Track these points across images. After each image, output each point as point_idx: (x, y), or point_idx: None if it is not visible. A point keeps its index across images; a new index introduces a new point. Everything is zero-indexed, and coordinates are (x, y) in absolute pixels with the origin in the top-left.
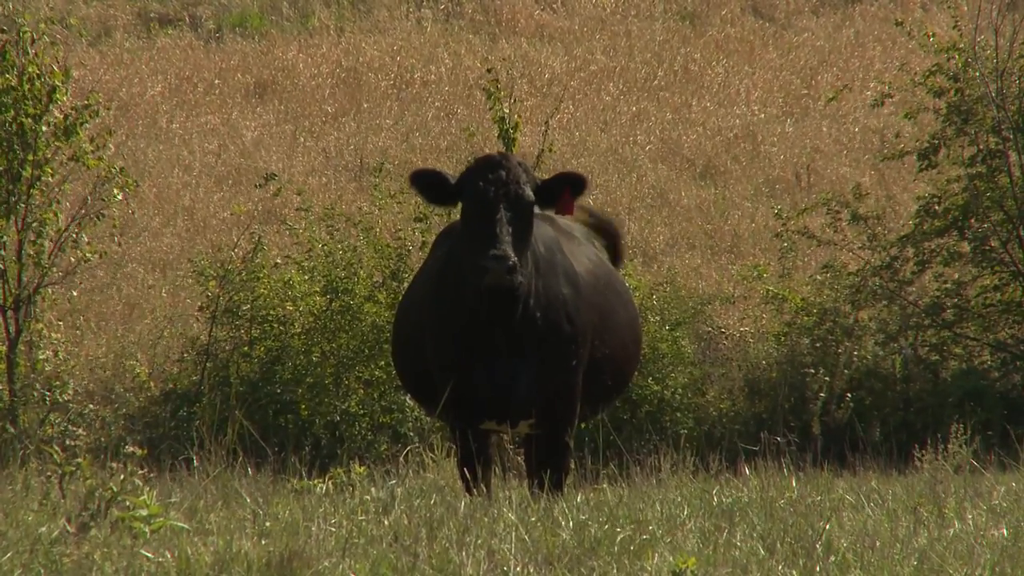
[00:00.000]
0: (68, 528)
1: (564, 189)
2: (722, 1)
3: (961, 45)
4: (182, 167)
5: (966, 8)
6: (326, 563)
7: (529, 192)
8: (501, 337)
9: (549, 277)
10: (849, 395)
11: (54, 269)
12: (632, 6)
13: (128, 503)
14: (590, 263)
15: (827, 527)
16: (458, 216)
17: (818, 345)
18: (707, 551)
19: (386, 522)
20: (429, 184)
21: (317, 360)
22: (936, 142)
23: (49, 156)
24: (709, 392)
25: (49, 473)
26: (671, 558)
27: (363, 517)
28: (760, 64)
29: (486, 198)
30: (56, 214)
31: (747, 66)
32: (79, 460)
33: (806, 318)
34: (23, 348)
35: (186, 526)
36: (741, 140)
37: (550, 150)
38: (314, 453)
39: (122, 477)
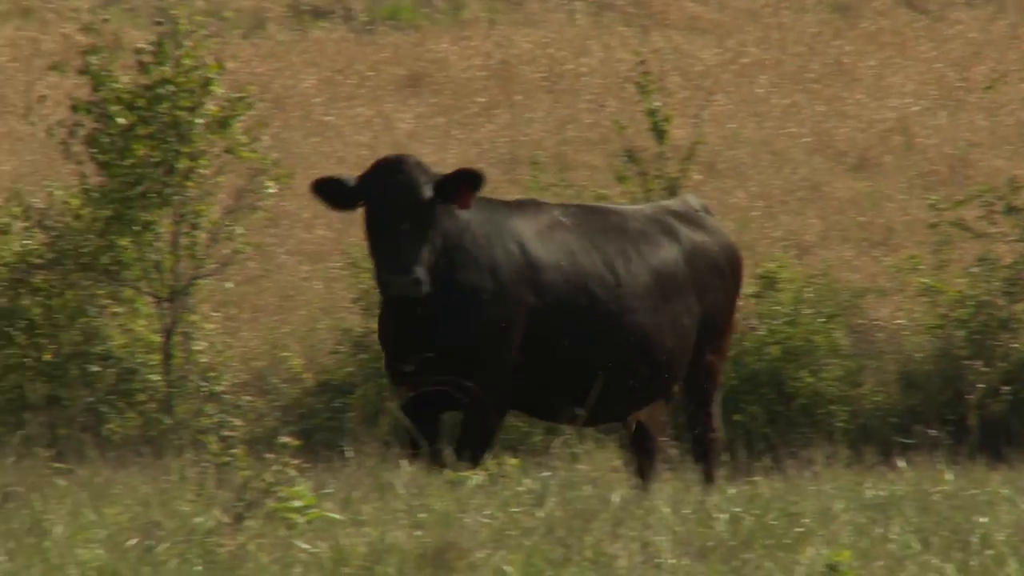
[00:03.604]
0: (223, 519)
1: (459, 185)
2: None
3: None
4: (335, 159)
5: None
6: (480, 555)
7: (427, 192)
8: (415, 330)
9: (467, 271)
10: (1005, 388)
11: (209, 261)
12: None
13: (283, 494)
14: (600, 262)
15: (983, 521)
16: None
17: (974, 338)
18: (862, 544)
19: (539, 514)
20: (328, 191)
21: None
22: None
23: (204, 148)
24: (864, 385)
25: (205, 464)
26: (826, 551)
27: (516, 509)
28: (913, 56)
29: (384, 204)
30: (211, 206)
31: (900, 58)
32: (234, 451)
33: (961, 310)
34: (179, 339)
35: (340, 517)
36: (894, 132)
37: (702, 142)
38: None
39: (277, 468)
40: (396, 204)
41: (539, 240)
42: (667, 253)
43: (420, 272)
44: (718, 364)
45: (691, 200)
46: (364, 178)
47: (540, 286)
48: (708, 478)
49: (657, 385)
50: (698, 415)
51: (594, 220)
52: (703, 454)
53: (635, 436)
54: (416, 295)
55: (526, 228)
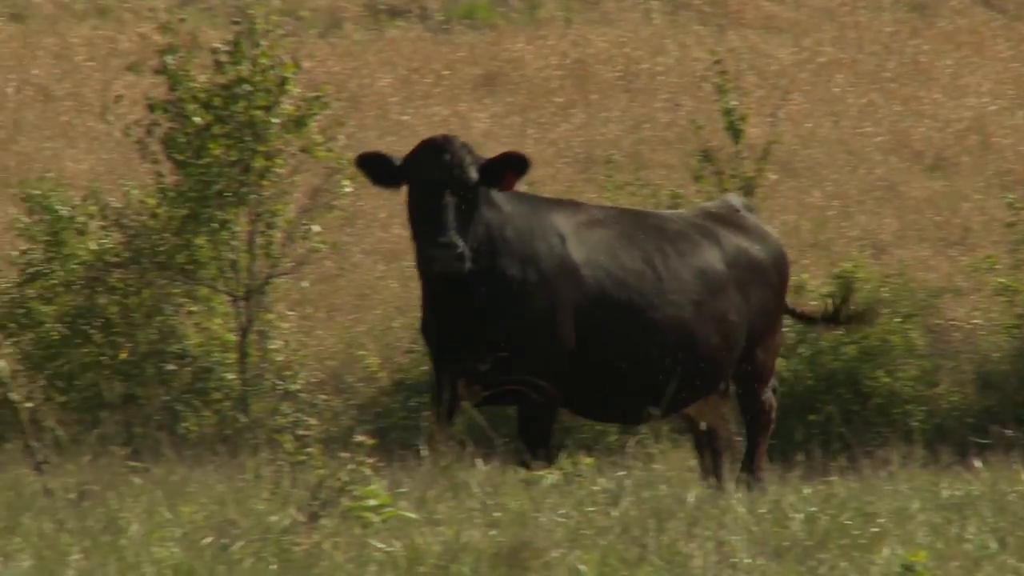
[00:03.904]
0: (299, 517)
1: (505, 170)
2: None
3: None
4: None
5: None
6: (555, 554)
7: (473, 174)
8: (455, 316)
9: (509, 261)
10: None
11: (284, 260)
12: None
13: (358, 493)
14: (632, 261)
15: None
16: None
17: None
18: (938, 545)
19: (614, 513)
20: (373, 166)
21: None
22: None
23: (280, 147)
24: (940, 385)
25: (280, 462)
26: (901, 551)
27: (592, 508)
28: (990, 56)
29: (429, 183)
30: (286, 205)
31: (977, 58)
32: (310, 450)
33: None
34: (255, 338)
35: (415, 516)
36: (971, 132)
37: (778, 142)
38: None
39: (352, 467)
40: (442, 183)
41: (579, 235)
42: (706, 252)
43: (464, 248)
44: (766, 359)
45: (732, 200)
46: (410, 157)
47: (581, 280)
48: (752, 444)
49: (705, 381)
50: (749, 405)
51: (632, 220)
52: (751, 423)
53: (703, 434)
54: (459, 272)
55: (567, 223)
